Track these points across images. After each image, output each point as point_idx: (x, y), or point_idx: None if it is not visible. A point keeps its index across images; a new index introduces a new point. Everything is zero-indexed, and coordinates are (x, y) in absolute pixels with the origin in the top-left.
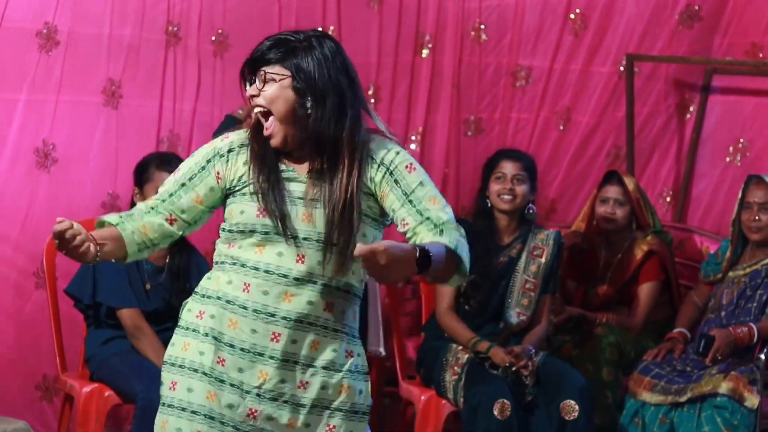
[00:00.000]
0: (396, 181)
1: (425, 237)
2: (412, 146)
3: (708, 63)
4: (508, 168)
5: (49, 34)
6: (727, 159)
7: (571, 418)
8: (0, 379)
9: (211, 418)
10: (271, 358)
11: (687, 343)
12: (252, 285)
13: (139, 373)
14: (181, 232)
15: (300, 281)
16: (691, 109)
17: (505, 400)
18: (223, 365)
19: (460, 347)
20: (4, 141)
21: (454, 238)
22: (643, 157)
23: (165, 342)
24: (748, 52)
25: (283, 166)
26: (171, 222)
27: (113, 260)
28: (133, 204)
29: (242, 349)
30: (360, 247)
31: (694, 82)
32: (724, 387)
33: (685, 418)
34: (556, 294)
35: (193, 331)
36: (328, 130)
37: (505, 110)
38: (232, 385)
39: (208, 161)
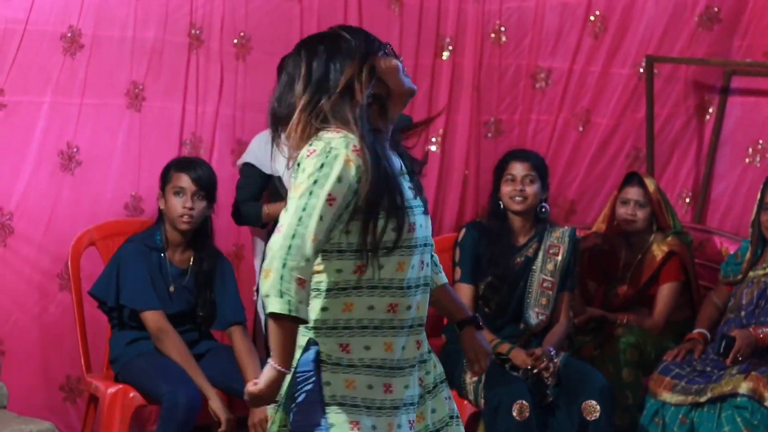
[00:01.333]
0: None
1: None
2: (433, 148)
3: (727, 65)
4: (518, 169)
5: (73, 38)
6: (747, 160)
7: (592, 418)
8: (24, 380)
9: None
10: (420, 362)
11: (707, 344)
12: (400, 304)
13: (165, 375)
14: None
15: (426, 286)
16: (711, 110)
17: (524, 402)
18: (391, 392)
19: None
20: (29, 143)
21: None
22: (663, 158)
23: (187, 344)
24: None
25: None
26: None
27: None
28: (158, 209)
29: (399, 368)
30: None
31: (713, 83)
32: (744, 387)
33: (705, 418)
34: (575, 291)
35: (348, 366)
36: None
37: (524, 112)
38: (404, 406)
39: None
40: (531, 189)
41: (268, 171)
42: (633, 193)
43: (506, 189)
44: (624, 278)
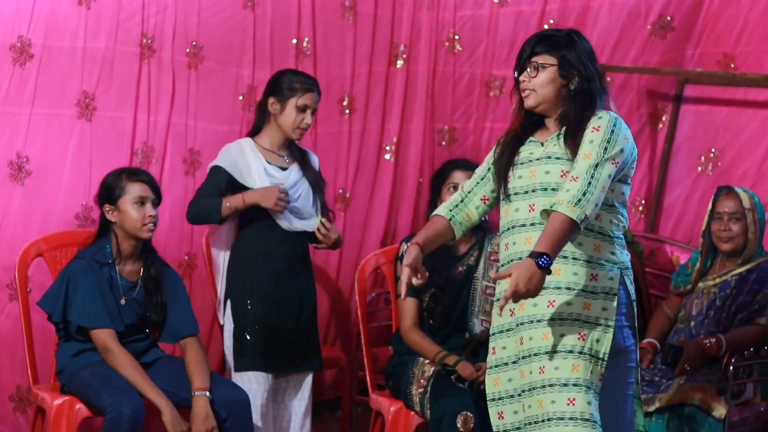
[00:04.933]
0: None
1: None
2: (387, 156)
3: (679, 74)
4: (461, 178)
5: (23, 48)
6: (699, 168)
7: None
8: None
9: None
10: None
11: (656, 354)
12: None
13: (108, 386)
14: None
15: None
16: (664, 118)
17: (469, 413)
18: None
19: (427, 360)
20: None
21: (558, 196)
22: None
23: (135, 354)
24: (720, 62)
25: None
26: (485, 201)
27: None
28: (104, 222)
29: None
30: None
31: (666, 92)
32: (693, 397)
33: (653, 427)
34: None
35: None
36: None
37: (479, 120)
38: None
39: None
40: None
41: (240, 180)
42: None
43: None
44: None
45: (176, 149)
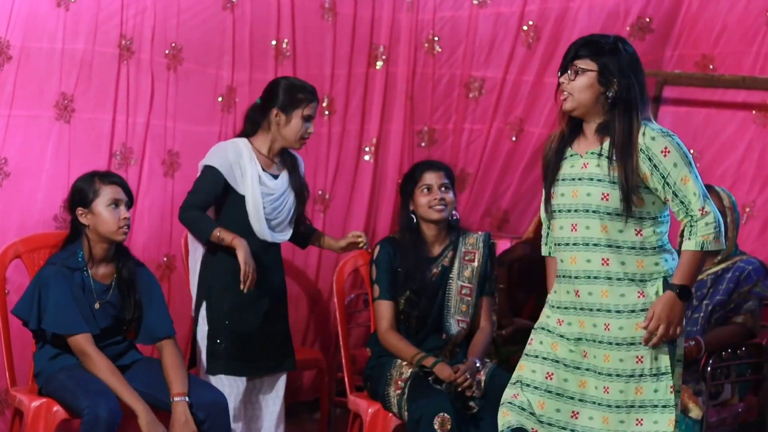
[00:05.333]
0: (655, 166)
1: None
2: (366, 157)
3: (658, 76)
4: (433, 178)
5: (1, 49)
6: None
7: None
8: None
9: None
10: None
11: None
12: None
13: (85, 388)
14: None
15: (577, 245)
16: None
17: (446, 414)
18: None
19: (405, 362)
20: None
21: (701, 233)
22: None
23: (113, 356)
24: (699, 64)
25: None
26: None
27: None
28: (76, 226)
29: None
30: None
31: None
32: None
33: None
34: (495, 295)
35: None
36: None
37: (458, 121)
38: None
39: None
40: (448, 197)
41: (232, 183)
42: None
43: (424, 199)
44: None
45: (155, 151)
